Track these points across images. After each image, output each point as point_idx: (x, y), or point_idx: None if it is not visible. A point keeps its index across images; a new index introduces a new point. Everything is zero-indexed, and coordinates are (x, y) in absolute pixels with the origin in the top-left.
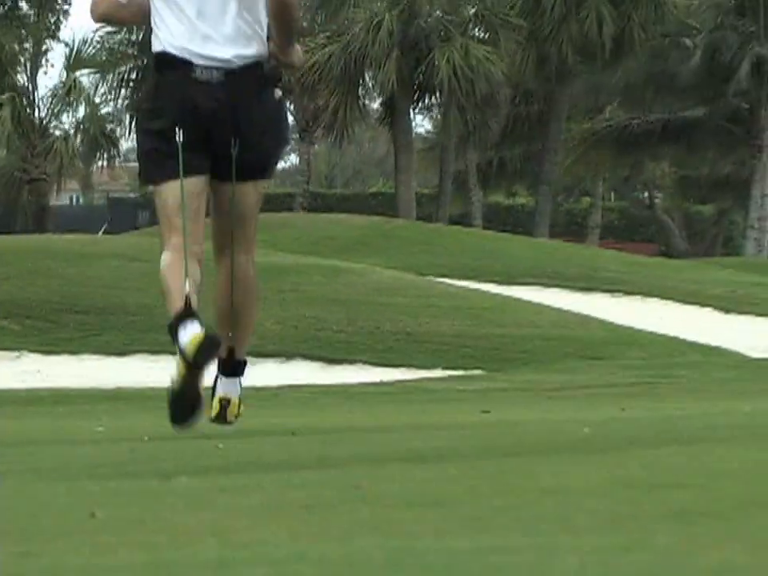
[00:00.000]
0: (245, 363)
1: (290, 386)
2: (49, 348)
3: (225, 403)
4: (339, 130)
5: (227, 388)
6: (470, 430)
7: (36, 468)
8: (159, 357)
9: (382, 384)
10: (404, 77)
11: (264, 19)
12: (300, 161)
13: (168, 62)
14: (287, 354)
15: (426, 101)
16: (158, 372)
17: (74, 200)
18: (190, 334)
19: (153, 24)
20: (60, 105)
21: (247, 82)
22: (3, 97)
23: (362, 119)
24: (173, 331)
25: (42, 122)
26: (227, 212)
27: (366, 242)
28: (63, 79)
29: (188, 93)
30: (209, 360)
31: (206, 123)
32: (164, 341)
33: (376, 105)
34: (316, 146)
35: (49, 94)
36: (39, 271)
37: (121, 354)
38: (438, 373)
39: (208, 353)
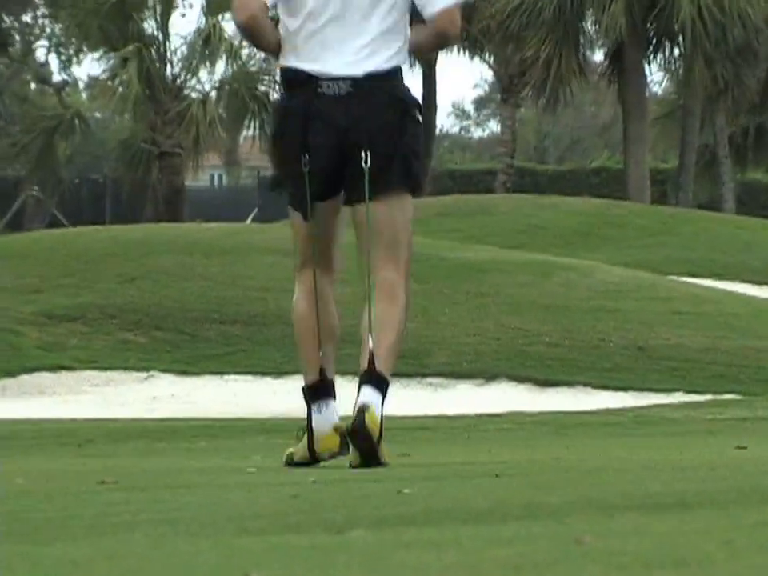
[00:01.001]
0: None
1: (491, 415)
2: (185, 367)
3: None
4: (552, 89)
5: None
6: (722, 470)
7: (173, 519)
8: None
9: (607, 412)
10: (635, 21)
11: (406, 30)
12: (502, 129)
13: (294, 78)
14: (487, 375)
15: (664, 52)
16: None
17: (216, 179)
18: (327, 428)
19: (281, 37)
20: (198, 58)
21: (377, 92)
22: (128, 49)
23: (581, 75)
24: (306, 400)
25: (175, 81)
26: (368, 231)
27: (587, 231)
28: (201, 25)
29: (314, 110)
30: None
31: (334, 139)
32: None
33: (599, 57)
34: (522, 109)
35: (184, 44)
36: (173, 270)
37: (277, 374)
38: (678, 397)
39: (337, 455)
